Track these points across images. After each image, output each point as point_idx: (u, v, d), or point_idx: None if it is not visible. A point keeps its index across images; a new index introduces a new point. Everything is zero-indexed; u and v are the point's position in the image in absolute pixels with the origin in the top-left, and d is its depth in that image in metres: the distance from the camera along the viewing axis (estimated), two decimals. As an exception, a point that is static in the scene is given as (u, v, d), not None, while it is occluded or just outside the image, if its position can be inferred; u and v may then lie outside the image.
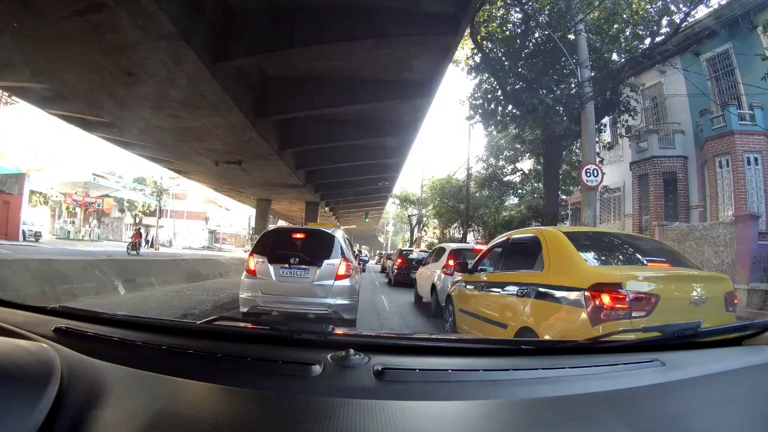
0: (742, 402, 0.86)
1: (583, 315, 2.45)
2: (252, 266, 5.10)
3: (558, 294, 2.70)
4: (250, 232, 29.20)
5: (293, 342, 0.99)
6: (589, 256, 2.92)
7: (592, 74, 6.98)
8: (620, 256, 3.19)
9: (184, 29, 6.37)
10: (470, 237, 19.31)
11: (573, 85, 7.31)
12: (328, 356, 0.87)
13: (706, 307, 2.58)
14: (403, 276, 11.87)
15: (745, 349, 1.11)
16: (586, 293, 2.45)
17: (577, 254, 2.84)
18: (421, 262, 10.01)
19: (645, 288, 2.47)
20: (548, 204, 8.34)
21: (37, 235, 20.18)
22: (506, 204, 20.05)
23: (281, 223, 42.04)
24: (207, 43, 7.17)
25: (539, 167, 16.59)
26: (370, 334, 1.25)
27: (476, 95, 8.54)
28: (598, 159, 10.10)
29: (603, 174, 6.63)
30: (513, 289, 3.21)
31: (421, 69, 9.46)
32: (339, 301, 5.02)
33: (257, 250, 5.28)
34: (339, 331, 1.04)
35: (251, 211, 27.77)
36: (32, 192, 29.50)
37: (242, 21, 7.48)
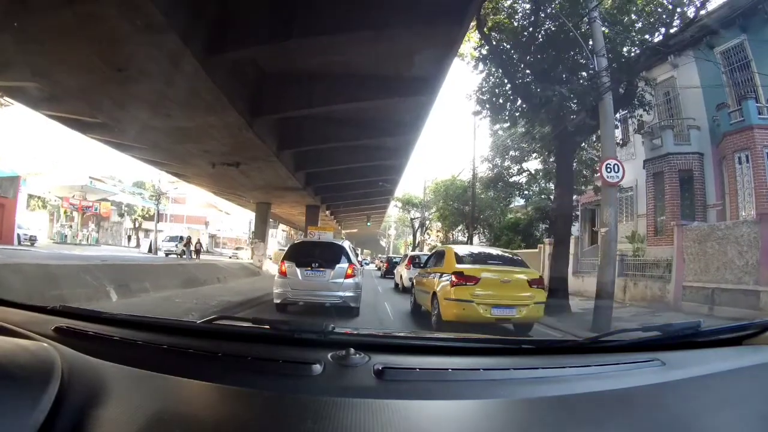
0: (742, 402, 0.85)
1: (451, 284, 5.41)
2: (283, 269, 6.77)
3: (445, 276, 5.65)
4: (251, 236, 28.88)
5: (294, 341, 1.00)
6: (461, 259, 5.96)
7: (613, 64, 6.50)
8: (475, 261, 6.03)
9: (173, 19, 5.97)
10: (476, 240, 18.78)
11: (588, 76, 6.83)
12: (329, 355, 0.87)
13: (512, 284, 5.47)
14: (388, 271, 19.16)
15: (745, 349, 1.09)
16: (451, 275, 5.48)
17: (454, 259, 5.93)
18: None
19: (473, 273, 5.43)
20: (561, 204, 7.84)
21: (32, 239, 19.81)
22: (512, 206, 19.51)
23: (282, 227, 41.86)
24: (199, 35, 6.77)
25: (547, 166, 16.14)
26: (370, 334, 1.23)
27: (483, 89, 8.08)
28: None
29: (624, 169, 6.15)
30: (435, 274, 6.23)
31: (423, 64, 9.01)
32: (348, 294, 6.61)
33: (287, 257, 6.98)
34: (339, 330, 1.04)
35: (252, 215, 27.37)
36: (31, 196, 29.26)
37: (237, 11, 7.07)
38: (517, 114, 8.26)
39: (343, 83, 9.55)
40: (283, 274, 6.69)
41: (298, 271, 6.64)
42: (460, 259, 5.87)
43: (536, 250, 14.70)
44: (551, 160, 11.51)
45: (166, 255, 23.53)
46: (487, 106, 8.01)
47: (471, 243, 16.43)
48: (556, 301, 7.43)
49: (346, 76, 9.45)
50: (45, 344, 0.76)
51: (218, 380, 0.77)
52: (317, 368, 0.82)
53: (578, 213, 14.93)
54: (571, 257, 12.03)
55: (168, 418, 0.66)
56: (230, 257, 29.58)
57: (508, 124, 8.97)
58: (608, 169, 5.97)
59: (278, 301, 6.65)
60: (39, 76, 8.13)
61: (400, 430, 0.66)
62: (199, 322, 1.21)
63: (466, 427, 0.70)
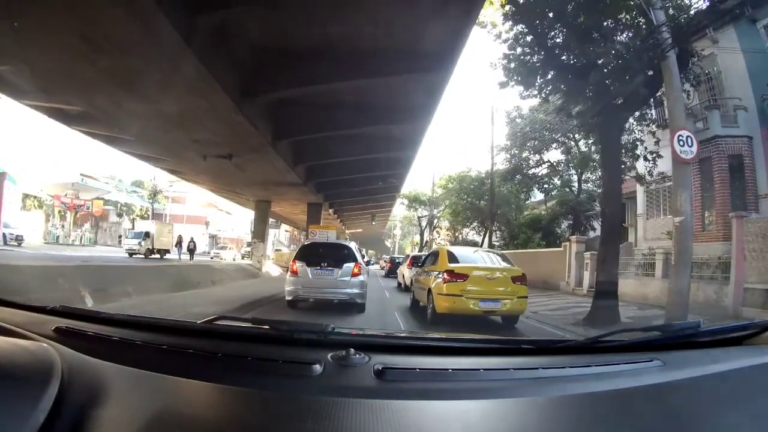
0: (742, 402, 0.84)
1: (443, 281, 6.03)
2: (294, 268, 7.22)
3: (438, 274, 6.31)
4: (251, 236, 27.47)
5: (294, 341, 1.00)
6: (452, 259, 6.54)
7: (677, 19, 5.24)
8: (465, 260, 6.58)
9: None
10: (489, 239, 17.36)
11: (644, 34, 5.54)
12: (329, 356, 0.86)
13: (497, 280, 6.05)
14: (391, 271, 19.37)
15: (745, 349, 1.08)
16: (444, 273, 6.12)
17: (447, 258, 6.54)
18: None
19: (463, 271, 6.08)
20: (609, 191, 6.55)
21: (18, 239, 18.84)
22: (528, 202, 18.05)
23: (284, 227, 41.00)
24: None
25: (569, 156, 14.83)
26: (370, 334, 1.22)
27: (511, 57, 6.84)
28: (653, 141, 8.39)
29: (697, 144, 4.91)
30: (431, 273, 6.76)
31: (436, 35, 7.84)
32: (355, 291, 7.05)
33: (298, 257, 7.47)
34: (339, 330, 1.03)
35: (253, 215, 26.15)
36: (26, 195, 28.40)
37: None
38: (549, 89, 6.99)
39: (345, 60, 8.39)
40: (294, 273, 7.21)
41: (308, 270, 7.13)
42: (452, 259, 6.54)
43: (560, 249, 13.42)
44: (589, 142, 10.26)
45: (130, 255, 19.79)
46: (515, 77, 6.78)
47: (490, 241, 15.07)
48: (604, 305, 6.19)
49: (348, 51, 8.29)
50: (45, 344, 0.76)
51: (218, 380, 0.76)
52: (317, 368, 0.82)
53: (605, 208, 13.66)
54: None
55: (168, 418, 0.66)
56: (212, 257, 25.84)
57: (538, 99, 7.69)
58: (681, 142, 4.75)
59: (290, 298, 7.16)
60: (13, 58, 7.16)
61: (400, 430, 0.66)
62: (199, 322, 1.17)
63: (466, 427, 0.68)
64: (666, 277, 8.37)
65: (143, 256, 20.07)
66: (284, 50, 8.33)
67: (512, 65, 6.82)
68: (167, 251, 22.55)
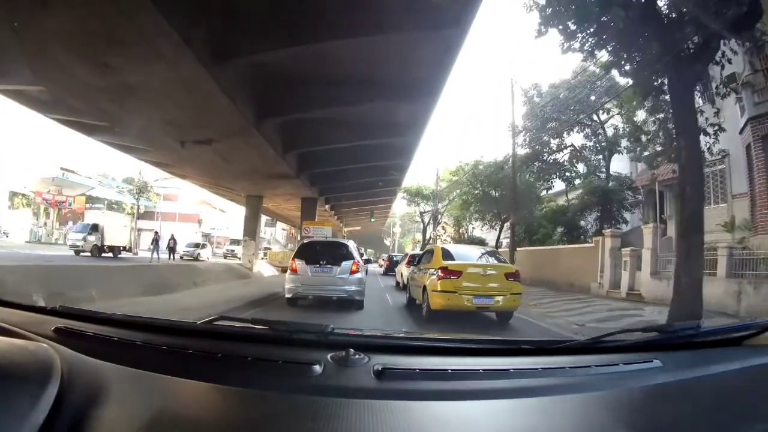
0: (742, 402, 0.84)
1: (438, 278, 6.10)
2: (294, 266, 7.58)
3: (433, 271, 6.39)
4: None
5: (293, 342, 1.01)
6: (447, 256, 6.69)
7: None
8: (459, 257, 6.78)
9: None
10: (504, 234, 15.66)
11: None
12: (329, 356, 0.87)
13: (490, 277, 6.17)
14: (389, 268, 20.13)
15: (745, 349, 1.07)
16: (438, 270, 6.21)
17: (441, 256, 6.71)
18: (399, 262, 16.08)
19: (457, 268, 6.18)
20: (688, 168, 4.93)
21: (-6, 237, 17.36)
22: (546, 192, 16.39)
23: (281, 226, 39.86)
24: None
25: (595, 137, 13.25)
26: (370, 334, 1.22)
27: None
28: (713, 111, 6.89)
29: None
30: (426, 270, 6.92)
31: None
32: (353, 288, 7.43)
33: (297, 256, 7.80)
34: (339, 330, 1.03)
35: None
36: (14, 193, 27.01)
37: None
38: (595, 40, 5.45)
39: (337, 12, 6.92)
40: (294, 271, 7.45)
41: (307, 268, 7.35)
42: (446, 256, 6.68)
43: (590, 246, 11.86)
44: (640, 111, 8.69)
45: (76, 253, 16.67)
46: (554, 21, 5.24)
47: (513, 237, 13.32)
48: (687, 313, 4.67)
49: (342, 8, 6.83)
50: (45, 345, 0.76)
51: (218, 380, 0.76)
52: (317, 369, 0.82)
53: (640, 197, 12.10)
54: (649, 253, 9.32)
55: (167, 418, 0.66)
56: (182, 257, 21.96)
57: (582, 54, 6.14)
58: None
59: (289, 296, 7.39)
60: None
61: (400, 430, 0.66)
62: (199, 322, 1.15)
63: (465, 428, 0.69)
64: (731, 277, 6.90)
65: (90, 254, 16.90)
66: (269, 12, 6.84)
67: (549, 10, 5.28)
68: (122, 248, 19.19)
